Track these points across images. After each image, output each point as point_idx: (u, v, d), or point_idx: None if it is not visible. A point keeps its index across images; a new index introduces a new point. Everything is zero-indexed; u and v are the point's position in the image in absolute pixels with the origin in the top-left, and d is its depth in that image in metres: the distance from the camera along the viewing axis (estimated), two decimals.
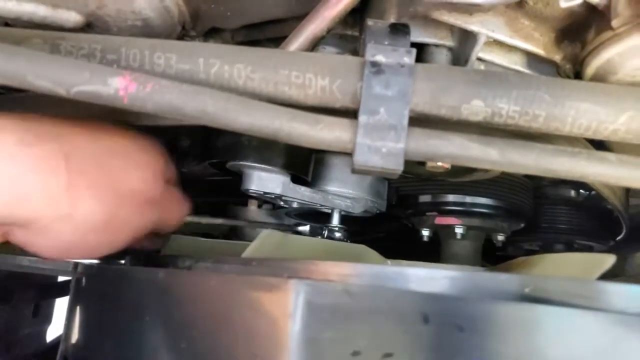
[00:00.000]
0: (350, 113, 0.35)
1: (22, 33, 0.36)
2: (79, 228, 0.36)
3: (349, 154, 0.34)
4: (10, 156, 0.33)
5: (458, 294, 0.30)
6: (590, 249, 0.86)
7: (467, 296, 0.29)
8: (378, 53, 0.34)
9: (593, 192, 0.79)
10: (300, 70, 0.34)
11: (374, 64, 0.33)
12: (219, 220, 0.67)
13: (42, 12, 0.37)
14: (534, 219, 0.79)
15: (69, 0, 0.37)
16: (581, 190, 0.81)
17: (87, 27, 0.40)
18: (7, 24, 0.40)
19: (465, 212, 0.69)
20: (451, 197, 0.69)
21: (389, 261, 0.58)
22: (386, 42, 0.34)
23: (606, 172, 0.34)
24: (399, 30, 0.35)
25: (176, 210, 0.46)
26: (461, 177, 0.58)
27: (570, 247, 0.84)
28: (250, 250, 0.43)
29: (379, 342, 0.28)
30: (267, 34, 0.47)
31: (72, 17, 0.38)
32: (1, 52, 0.29)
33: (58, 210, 0.35)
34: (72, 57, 0.35)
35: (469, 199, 0.68)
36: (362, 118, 0.33)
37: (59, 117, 0.37)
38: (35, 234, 0.36)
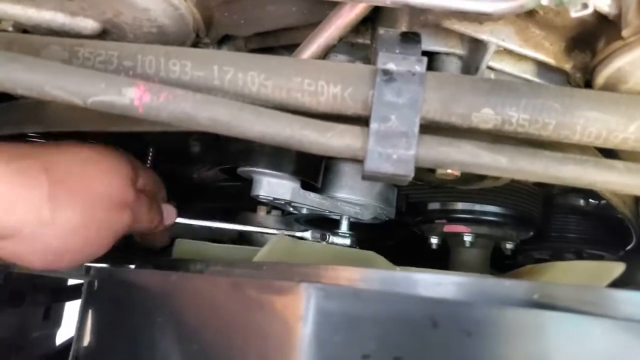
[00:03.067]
0: (362, 120, 0.35)
1: (41, 40, 0.37)
2: (61, 232, 0.40)
3: (359, 161, 0.34)
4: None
5: (466, 300, 0.30)
6: (600, 259, 0.86)
7: (475, 302, 0.30)
8: (389, 61, 0.34)
9: (603, 201, 0.78)
10: (312, 78, 0.35)
11: (386, 72, 0.34)
12: (227, 226, 0.67)
13: (60, 19, 0.38)
14: (544, 228, 0.79)
15: (86, 8, 0.38)
16: (591, 200, 0.81)
17: (104, 33, 0.41)
18: (25, 31, 0.41)
19: (474, 220, 0.69)
20: (460, 205, 0.69)
21: (397, 268, 0.58)
22: (397, 51, 0.35)
23: (614, 180, 0.34)
24: (410, 38, 0.36)
25: (148, 214, 0.50)
26: (471, 184, 0.58)
27: (580, 256, 0.84)
28: (261, 255, 0.44)
29: (388, 346, 0.28)
30: (280, 41, 0.48)
31: (89, 25, 0.39)
32: (21, 63, 0.30)
33: (41, 218, 0.39)
34: (89, 64, 0.36)
35: (478, 207, 0.68)
36: (374, 125, 0.33)
37: (34, 142, 0.42)
38: (22, 243, 0.39)
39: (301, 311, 0.29)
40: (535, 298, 0.30)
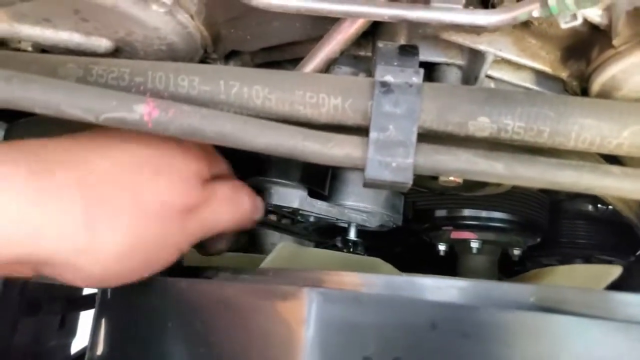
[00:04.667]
0: (362, 130, 0.37)
1: (57, 59, 0.39)
2: (103, 259, 0.33)
3: (360, 169, 0.36)
4: (20, 192, 0.30)
5: (464, 303, 0.31)
6: (610, 264, 0.85)
7: (472, 304, 0.31)
8: (387, 73, 0.35)
9: (611, 207, 0.79)
10: (314, 91, 0.36)
11: (384, 84, 0.35)
12: None
13: (76, 39, 0.40)
14: (552, 234, 0.80)
15: (100, 28, 0.40)
16: (599, 205, 0.81)
17: (117, 51, 0.43)
18: (44, 51, 0.43)
19: (480, 227, 0.69)
20: (467, 212, 0.70)
21: (403, 274, 0.59)
22: (395, 63, 0.36)
23: (611, 185, 0.35)
24: (407, 51, 0.37)
25: (228, 210, 0.41)
26: (474, 191, 0.59)
27: (589, 262, 0.84)
28: (267, 261, 0.45)
29: (388, 348, 0.30)
30: (284, 55, 0.49)
31: (103, 44, 0.41)
32: (38, 83, 0.32)
33: (76, 245, 0.32)
34: (102, 81, 0.38)
35: (484, 214, 0.69)
36: (373, 135, 0.35)
37: (72, 137, 0.35)
38: (59, 269, 0.33)
39: (304, 315, 0.30)
40: (532, 301, 0.31)
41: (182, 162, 0.37)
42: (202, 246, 0.46)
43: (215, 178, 0.41)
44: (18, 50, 0.42)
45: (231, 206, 0.41)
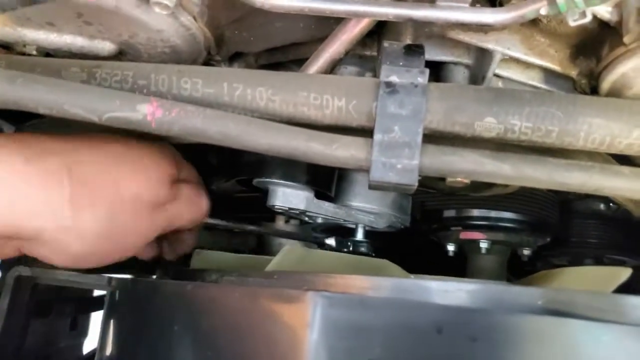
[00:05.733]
0: (367, 131, 0.36)
1: (61, 62, 0.39)
2: (84, 237, 0.38)
3: (365, 171, 0.35)
4: (18, 174, 0.35)
5: (471, 306, 0.30)
6: (622, 264, 0.84)
7: (479, 308, 0.30)
8: (392, 74, 0.35)
9: None
10: (318, 92, 0.36)
11: (389, 85, 0.35)
12: (248, 227, 0.69)
13: (79, 42, 0.40)
14: (563, 234, 0.79)
15: (104, 31, 0.40)
16: (611, 204, 0.80)
17: (120, 54, 0.43)
18: (48, 54, 0.43)
19: (489, 227, 0.69)
20: (475, 212, 0.69)
21: (412, 276, 0.58)
22: (401, 63, 0.36)
23: (621, 185, 0.34)
24: (413, 51, 0.37)
25: (190, 209, 0.47)
26: (482, 191, 0.58)
27: (600, 262, 0.83)
28: (273, 264, 0.45)
29: (393, 351, 0.29)
30: (289, 56, 0.49)
31: (106, 47, 0.41)
32: (42, 83, 0.32)
33: (61, 222, 0.37)
34: (106, 84, 0.38)
35: (493, 214, 0.68)
36: (377, 136, 0.34)
37: (63, 134, 0.39)
38: (43, 245, 0.38)
39: (308, 318, 0.30)
40: (540, 304, 0.30)
41: (156, 164, 0.43)
42: (170, 248, 0.54)
43: (181, 180, 0.47)
44: (23, 54, 0.42)
45: (192, 206, 0.47)
